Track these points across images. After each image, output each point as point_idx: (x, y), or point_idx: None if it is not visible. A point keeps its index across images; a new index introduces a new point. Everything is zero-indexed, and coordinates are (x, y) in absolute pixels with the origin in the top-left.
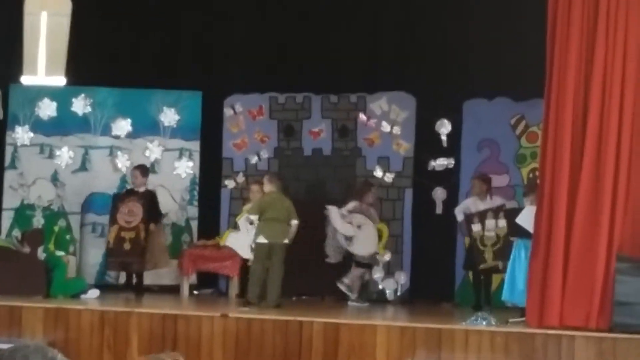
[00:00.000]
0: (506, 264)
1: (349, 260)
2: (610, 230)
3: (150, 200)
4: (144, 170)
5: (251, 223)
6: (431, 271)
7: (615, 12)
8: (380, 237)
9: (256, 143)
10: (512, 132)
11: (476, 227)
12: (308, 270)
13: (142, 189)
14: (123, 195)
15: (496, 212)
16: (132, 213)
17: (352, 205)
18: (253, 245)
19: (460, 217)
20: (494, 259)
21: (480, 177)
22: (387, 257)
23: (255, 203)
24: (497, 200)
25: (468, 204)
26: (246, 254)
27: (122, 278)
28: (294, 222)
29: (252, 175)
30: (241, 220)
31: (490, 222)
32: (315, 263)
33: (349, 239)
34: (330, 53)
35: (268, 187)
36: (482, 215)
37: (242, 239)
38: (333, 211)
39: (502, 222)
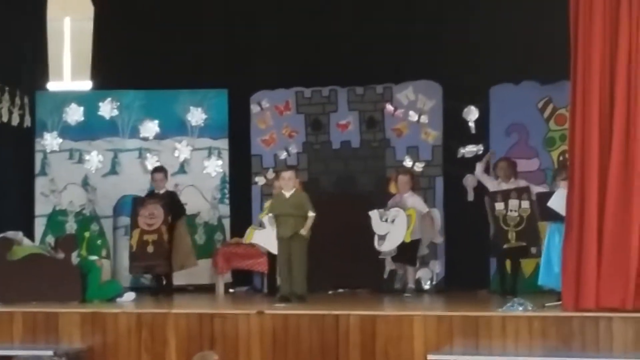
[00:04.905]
0: (532, 246)
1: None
2: None
3: (171, 201)
4: (166, 172)
5: None
6: (465, 259)
7: None
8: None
9: (284, 138)
10: (540, 115)
11: (499, 206)
12: (342, 264)
13: (162, 191)
14: (143, 199)
15: (520, 192)
16: (153, 215)
17: (390, 200)
18: None
19: (479, 168)
20: (517, 239)
21: (506, 160)
22: (438, 240)
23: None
24: (521, 182)
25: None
26: (274, 249)
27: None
28: (310, 215)
29: (282, 171)
30: (266, 218)
31: (513, 202)
32: (348, 256)
33: (382, 237)
34: (355, 45)
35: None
36: (505, 195)
37: (269, 236)
38: (373, 217)
39: (526, 204)
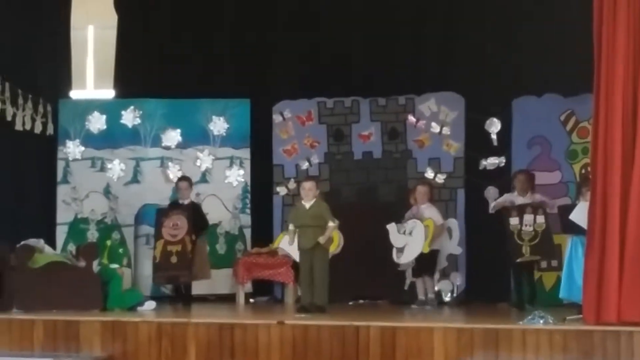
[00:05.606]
0: (546, 260)
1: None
2: None
3: (195, 212)
4: (190, 181)
5: None
6: (486, 271)
7: None
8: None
9: (306, 148)
10: (562, 128)
11: (514, 221)
12: (362, 274)
13: (187, 201)
14: (167, 209)
15: (535, 207)
16: (177, 226)
17: (408, 212)
18: None
19: (492, 207)
20: (532, 253)
21: (524, 173)
22: (457, 251)
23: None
24: (537, 197)
25: (507, 199)
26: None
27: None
28: (330, 225)
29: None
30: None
31: (528, 217)
32: (369, 267)
33: (400, 250)
34: (378, 55)
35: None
36: (520, 210)
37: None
38: (390, 229)
39: (541, 218)
